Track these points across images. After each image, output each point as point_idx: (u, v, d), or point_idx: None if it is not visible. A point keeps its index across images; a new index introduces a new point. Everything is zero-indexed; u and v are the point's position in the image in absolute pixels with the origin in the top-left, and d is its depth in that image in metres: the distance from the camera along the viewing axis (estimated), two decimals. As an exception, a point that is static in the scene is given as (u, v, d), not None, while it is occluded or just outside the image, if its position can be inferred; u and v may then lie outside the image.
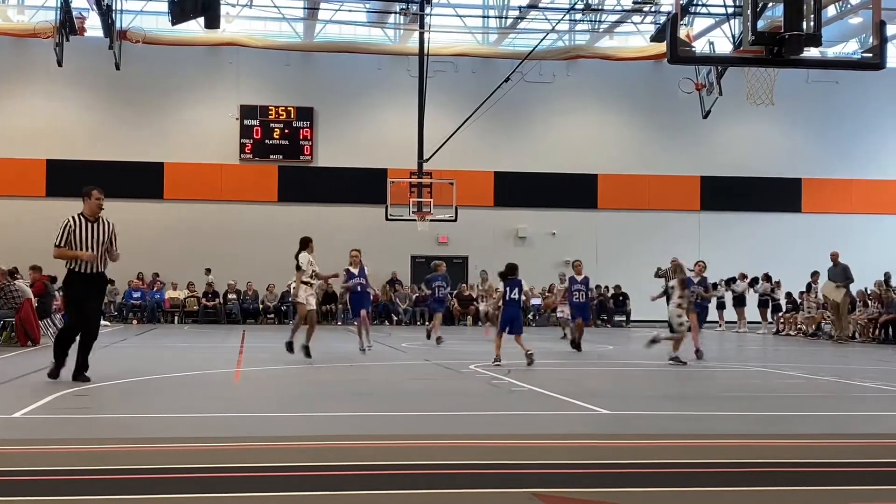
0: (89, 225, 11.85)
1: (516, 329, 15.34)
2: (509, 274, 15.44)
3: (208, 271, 32.85)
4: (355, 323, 18.76)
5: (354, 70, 35.09)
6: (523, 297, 15.83)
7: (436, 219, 30.71)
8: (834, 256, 25.38)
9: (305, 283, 16.00)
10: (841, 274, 24.79)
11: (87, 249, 11.70)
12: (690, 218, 37.16)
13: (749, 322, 30.64)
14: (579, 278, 19.80)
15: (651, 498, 5.65)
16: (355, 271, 17.70)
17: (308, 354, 15.48)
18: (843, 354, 20.30)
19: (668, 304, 16.58)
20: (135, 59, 32.09)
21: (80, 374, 11.98)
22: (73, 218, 11.95)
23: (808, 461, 7.04)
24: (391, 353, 18.79)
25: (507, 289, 15.37)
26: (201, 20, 25.29)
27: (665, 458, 7.06)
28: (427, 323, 24.97)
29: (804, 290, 28.27)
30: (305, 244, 16.12)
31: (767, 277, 30.36)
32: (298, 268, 15.94)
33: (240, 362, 15.94)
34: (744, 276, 31.09)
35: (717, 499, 5.73)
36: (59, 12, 28.22)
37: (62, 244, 11.78)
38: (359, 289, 17.80)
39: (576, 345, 19.44)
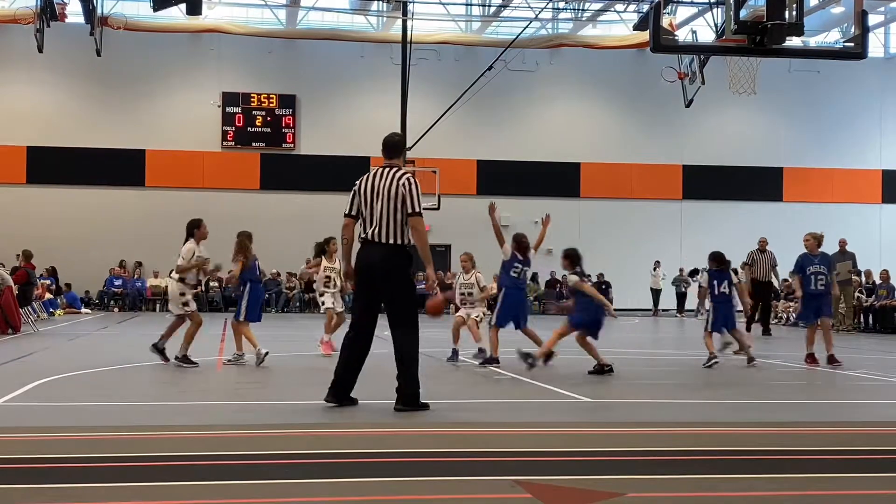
0: None
1: (729, 323, 13.71)
2: (720, 264, 13.69)
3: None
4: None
5: (337, 57, 34.98)
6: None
7: (419, 207, 30.65)
8: (842, 244, 24.23)
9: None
10: (851, 262, 24.29)
11: None
12: (672, 206, 37.29)
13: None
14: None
15: (633, 485, 5.66)
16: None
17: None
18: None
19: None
20: (116, 45, 31.91)
21: (346, 395, 9.07)
22: None
23: (793, 449, 7.08)
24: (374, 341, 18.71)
25: (716, 282, 13.57)
26: (183, 6, 25.17)
27: (647, 446, 7.08)
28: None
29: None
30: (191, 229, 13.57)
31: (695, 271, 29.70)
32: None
33: (221, 350, 15.90)
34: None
35: (699, 485, 5.74)
36: (39, -2, 28.00)
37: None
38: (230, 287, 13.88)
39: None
